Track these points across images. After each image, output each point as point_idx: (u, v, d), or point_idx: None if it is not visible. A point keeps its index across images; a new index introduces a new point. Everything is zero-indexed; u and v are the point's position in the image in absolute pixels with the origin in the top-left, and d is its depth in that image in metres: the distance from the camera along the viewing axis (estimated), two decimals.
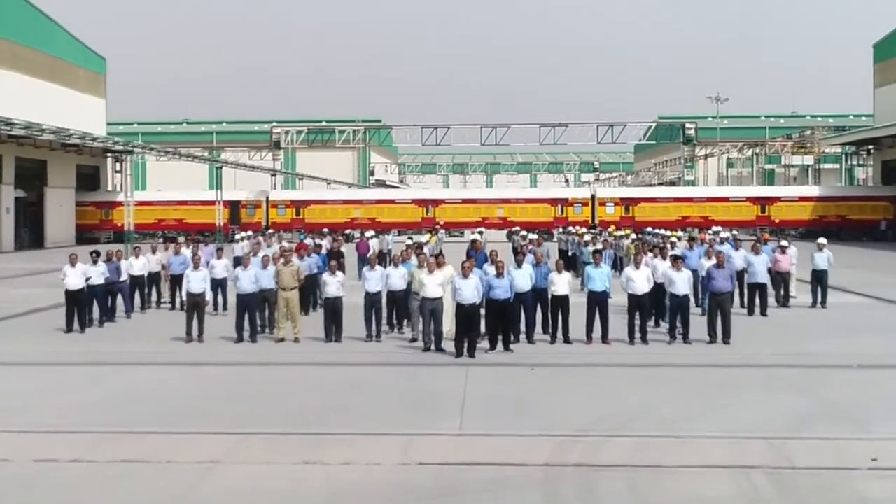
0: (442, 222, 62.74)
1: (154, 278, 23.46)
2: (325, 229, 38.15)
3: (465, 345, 16.09)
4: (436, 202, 63.59)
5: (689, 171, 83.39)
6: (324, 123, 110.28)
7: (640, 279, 17.70)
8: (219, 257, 22.52)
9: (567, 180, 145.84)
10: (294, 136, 70.75)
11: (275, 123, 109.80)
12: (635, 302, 17.68)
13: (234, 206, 63.20)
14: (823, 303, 23.44)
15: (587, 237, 29.35)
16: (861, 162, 74.08)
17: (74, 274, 19.24)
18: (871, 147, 68.39)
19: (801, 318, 21.83)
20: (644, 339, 17.63)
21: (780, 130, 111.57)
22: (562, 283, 17.69)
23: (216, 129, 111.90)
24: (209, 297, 18.39)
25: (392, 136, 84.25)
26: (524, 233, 33.92)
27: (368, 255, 19.00)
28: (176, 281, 22.92)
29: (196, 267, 18.36)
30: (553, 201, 63.57)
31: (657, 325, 19.41)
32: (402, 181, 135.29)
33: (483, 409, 12.31)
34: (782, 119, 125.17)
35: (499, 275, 16.73)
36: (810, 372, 14.87)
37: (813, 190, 65.40)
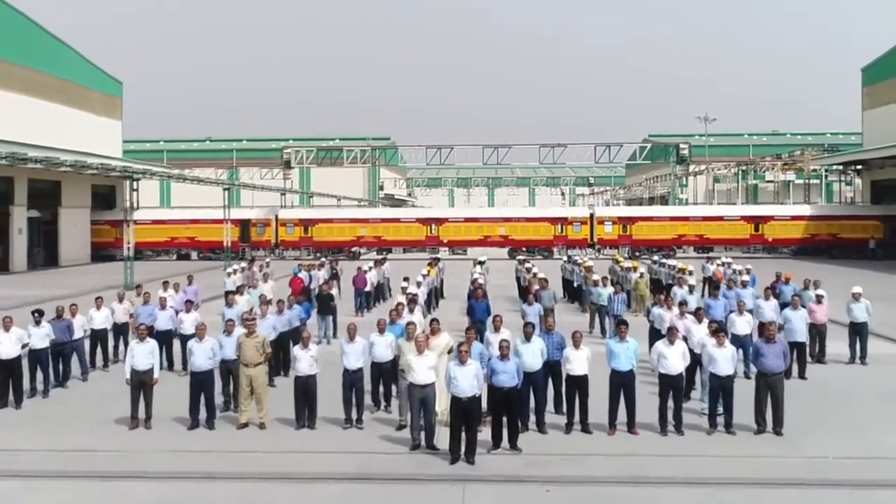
0: (446, 240, 58.58)
1: (121, 329, 19.04)
2: (323, 258, 33.55)
3: (463, 444, 11.70)
4: (439, 221, 59.24)
5: (683, 189, 78.80)
6: (336, 141, 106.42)
7: (674, 356, 13.19)
8: (187, 310, 17.94)
9: (563, 194, 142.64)
10: (305, 155, 66.36)
11: (291, 141, 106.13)
12: (668, 384, 13.19)
13: (244, 225, 58.89)
14: (863, 358, 18.98)
15: (596, 276, 24.68)
16: (848, 180, 69.40)
17: (8, 340, 14.78)
18: (859, 167, 63.81)
19: (845, 381, 17.32)
20: (678, 428, 13.14)
21: (762, 148, 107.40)
22: (579, 360, 13.20)
23: (236, 147, 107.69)
24: (157, 374, 13.82)
25: (399, 153, 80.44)
26: (529, 265, 29.26)
27: (349, 326, 14.25)
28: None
29: (142, 338, 13.81)
30: (553, 220, 59.16)
31: (687, 397, 14.92)
32: (409, 195, 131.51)
33: None
34: (765, 137, 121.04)
35: (503, 356, 12.24)
36: None
37: (805, 209, 60.79)
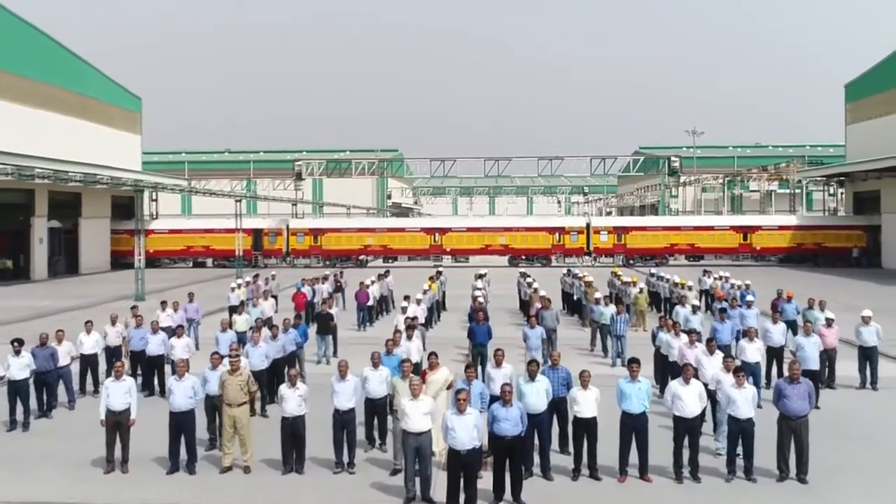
0: (449, 249, 56.71)
1: (114, 353, 17.14)
2: (327, 272, 31.59)
3: (461, 496, 9.79)
4: (443, 230, 57.28)
5: (674, 199, 76.88)
6: (347, 153, 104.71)
7: (690, 398, 11.25)
8: (179, 335, 15.99)
9: (559, 202, 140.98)
10: (316, 167, 64.41)
11: (305, 153, 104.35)
12: (684, 427, 11.23)
13: (257, 234, 57.00)
14: (874, 383, 17.01)
15: (598, 294, 22.66)
16: (831, 192, 67.23)
17: None
18: (842, 178, 61.70)
19: (860, 411, 15.33)
20: (695, 475, 11.19)
21: (746, 160, 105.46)
22: (588, 402, 11.25)
23: (253, 159, 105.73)
24: (134, 414, 11.84)
25: (406, 165, 78.68)
26: (530, 279, 27.24)
27: (340, 363, 12.27)
28: (137, 358, 16.66)
29: (119, 376, 11.87)
30: (551, 230, 57.15)
31: None
32: (416, 203, 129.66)
33: None
34: (748, 149, 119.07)
35: (506, 402, 10.32)
36: None
37: (791, 219, 58.80)
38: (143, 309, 20.37)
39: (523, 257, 56.44)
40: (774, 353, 16.91)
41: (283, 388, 11.60)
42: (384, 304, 29.15)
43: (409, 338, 15.06)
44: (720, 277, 28.64)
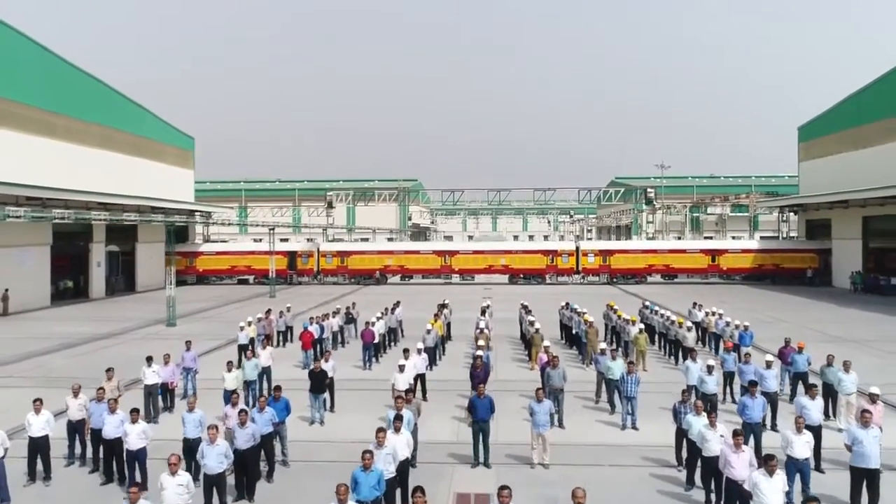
0: (457, 269, 51.70)
1: (76, 427, 12.21)
2: (338, 306, 26.42)
3: None
4: (452, 253, 52.28)
5: (650, 224, 71.66)
6: (376, 182, 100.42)
7: None
8: (134, 420, 10.96)
9: (549, 222, 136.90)
10: (345, 196, 59.62)
11: (341, 182, 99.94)
12: None
13: (291, 256, 52.12)
14: None
15: (602, 345, 17.40)
16: (784, 218, 61.69)
17: None
18: (796, 207, 56.26)
19: None
20: None
21: (704, 188, 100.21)
22: None
23: (298, 187, 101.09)
24: None
25: (421, 193, 73.99)
26: (532, 318, 22.03)
27: None
28: (97, 437, 11.69)
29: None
30: (545, 252, 52.03)
31: None
32: (432, 223, 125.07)
33: None
34: (705, 179, 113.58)
35: None
36: None
37: (752, 243, 53.34)
38: (165, 336, 15.48)
39: (521, 276, 51.51)
40: (812, 433, 11.75)
41: None
42: (393, 335, 24.12)
43: (398, 430, 10.03)
44: (713, 313, 23.41)
